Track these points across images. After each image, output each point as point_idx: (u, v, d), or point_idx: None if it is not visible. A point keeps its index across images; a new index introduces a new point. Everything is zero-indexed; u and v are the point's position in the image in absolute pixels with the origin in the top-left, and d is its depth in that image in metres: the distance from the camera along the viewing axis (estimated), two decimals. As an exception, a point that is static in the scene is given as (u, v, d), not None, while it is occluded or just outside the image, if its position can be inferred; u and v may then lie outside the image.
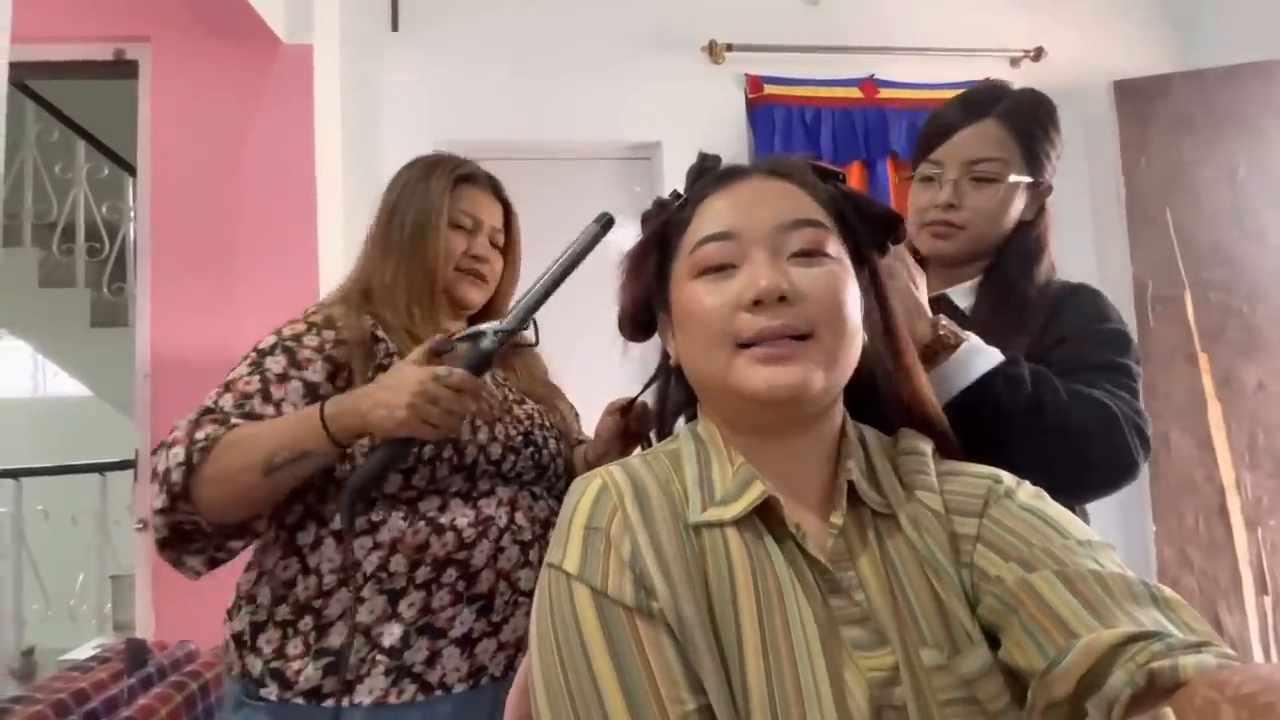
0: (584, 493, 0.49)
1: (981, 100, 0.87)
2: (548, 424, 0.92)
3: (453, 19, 2.37)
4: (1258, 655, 2.00)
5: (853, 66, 2.54)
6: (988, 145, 0.85)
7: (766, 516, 0.49)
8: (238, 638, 0.79)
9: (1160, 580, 2.28)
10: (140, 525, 1.82)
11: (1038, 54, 2.57)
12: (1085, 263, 2.56)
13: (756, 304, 0.47)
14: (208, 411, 0.76)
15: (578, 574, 0.45)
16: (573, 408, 1.04)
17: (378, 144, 2.23)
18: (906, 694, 0.43)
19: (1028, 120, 0.86)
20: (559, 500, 0.89)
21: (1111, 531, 2.43)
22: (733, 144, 2.48)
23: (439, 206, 0.90)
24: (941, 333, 0.71)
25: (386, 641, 0.75)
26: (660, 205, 0.58)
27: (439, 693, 0.76)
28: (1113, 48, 2.63)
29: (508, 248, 1.00)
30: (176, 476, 0.71)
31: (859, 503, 0.50)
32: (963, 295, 0.90)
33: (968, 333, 0.73)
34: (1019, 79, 2.59)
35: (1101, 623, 0.39)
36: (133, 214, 2.80)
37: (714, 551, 0.47)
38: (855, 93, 2.54)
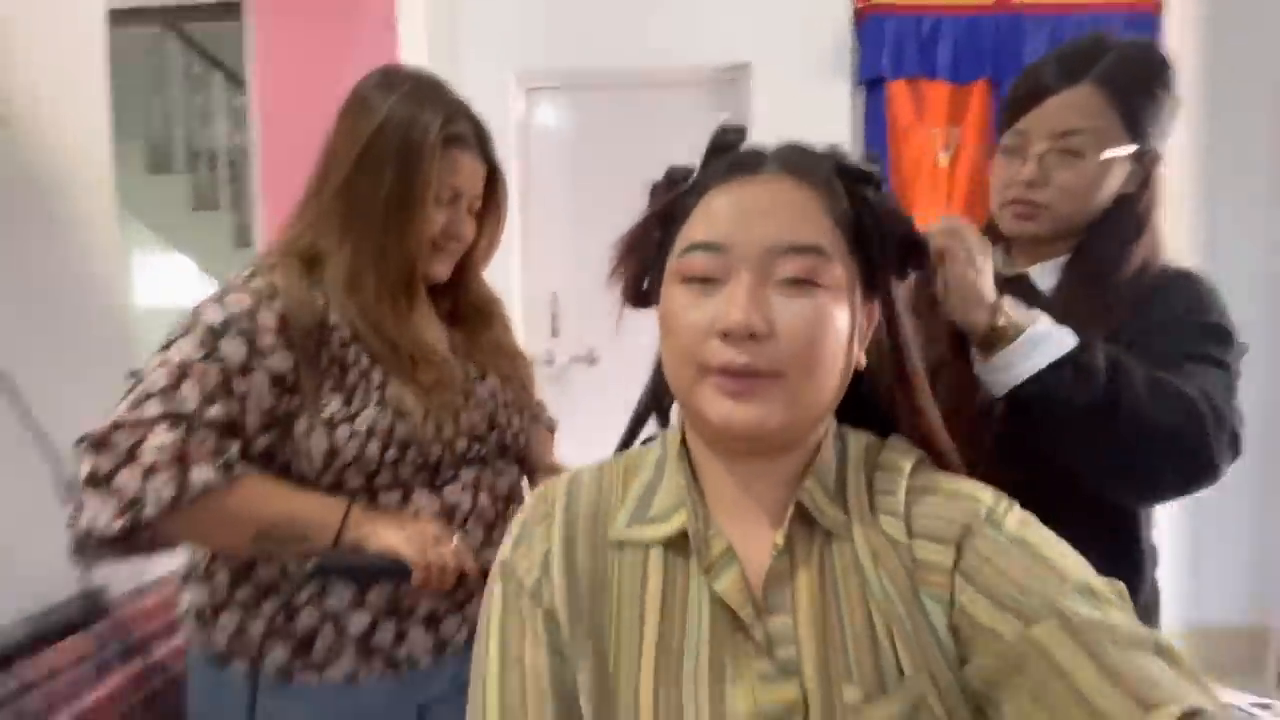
0: (532, 494, 0.54)
1: (1078, 60, 0.75)
2: (511, 398, 0.88)
3: (536, -61, 2.27)
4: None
5: (987, -36, 2.18)
6: (1080, 114, 0.74)
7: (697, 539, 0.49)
8: (197, 612, 0.78)
9: None
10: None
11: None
12: (1256, 213, 2.14)
13: (725, 335, 0.45)
14: (175, 418, 0.67)
15: (500, 562, 0.51)
16: (530, 369, 0.96)
17: (460, 71, 2.24)
18: None
19: (1131, 82, 0.74)
20: (521, 470, 0.92)
21: (1237, 513, 2.17)
22: (834, 64, 2.25)
23: (427, 177, 0.77)
24: (1000, 323, 0.65)
25: (354, 629, 0.75)
26: (669, 181, 0.55)
27: (406, 669, 0.78)
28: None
29: (489, 211, 0.87)
30: (151, 512, 0.64)
31: (814, 523, 0.48)
32: (1046, 274, 0.81)
33: (1035, 314, 0.67)
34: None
35: (1113, 682, 0.37)
36: (252, 141, 3.05)
37: (633, 568, 0.49)
38: (987, -5, 2.20)
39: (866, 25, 2.22)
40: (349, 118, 0.79)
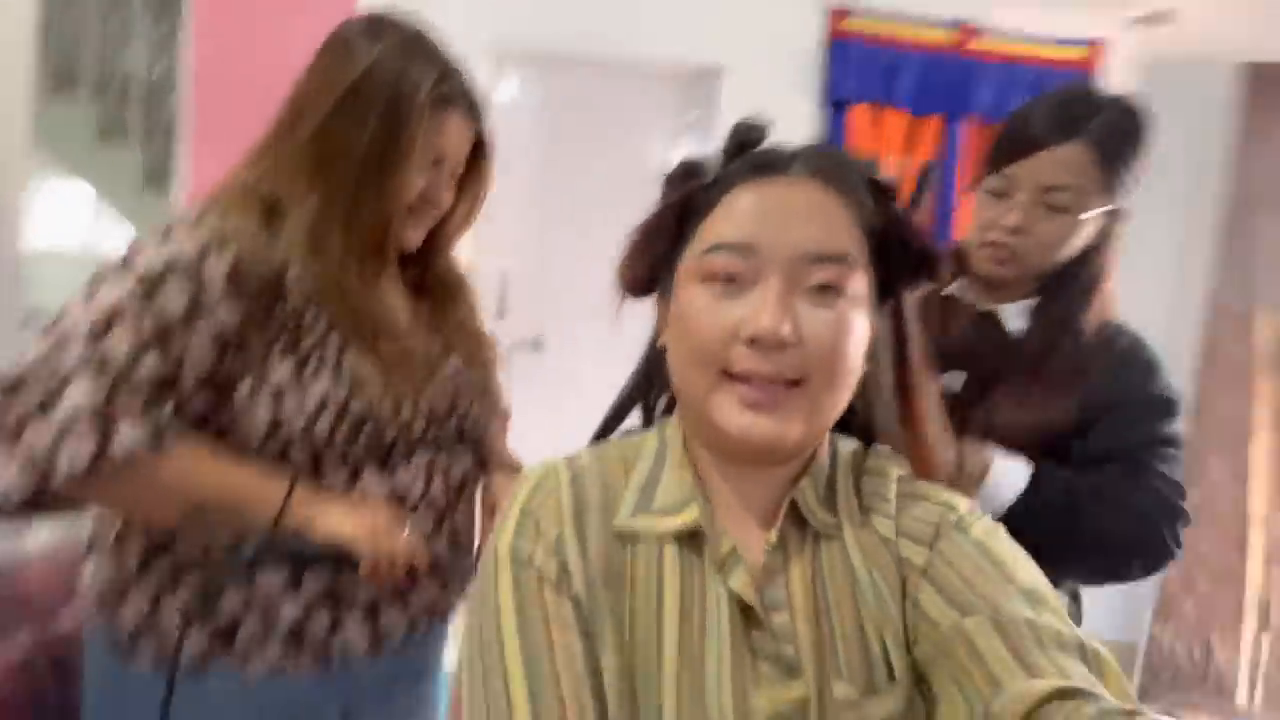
0: (528, 479, 0.50)
1: (1071, 116, 0.78)
2: (471, 383, 0.83)
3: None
4: (1242, 689, 1.98)
5: (951, 4, 2.29)
6: (1069, 171, 0.78)
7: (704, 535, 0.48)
8: (100, 591, 0.69)
9: (1160, 600, 2.25)
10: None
11: (1164, 18, 2.27)
12: (1162, 260, 2.37)
13: (753, 342, 0.44)
14: (102, 371, 0.59)
15: (506, 549, 0.47)
16: (494, 353, 0.90)
17: (425, 26, 2.13)
18: None
19: (1120, 145, 0.78)
20: (476, 458, 0.85)
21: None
22: (802, 81, 2.30)
23: (413, 135, 0.70)
24: (967, 469, 0.74)
25: (287, 615, 0.68)
26: (686, 173, 0.52)
27: (338, 666, 0.71)
28: (1253, 24, 2.31)
29: (471, 180, 0.81)
30: (65, 474, 0.57)
31: (806, 523, 0.49)
32: (1014, 315, 0.85)
33: (988, 453, 0.76)
34: (1137, 45, 2.34)
35: (1028, 673, 0.38)
36: (178, 72, 2.77)
37: (647, 561, 0.47)
38: (946, 37, 2.31)
39: (835, 49, 2.28)
40: (328, 60, 0.72)
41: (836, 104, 2.29)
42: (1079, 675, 0.38)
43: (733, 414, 0.44)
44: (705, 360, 0.45)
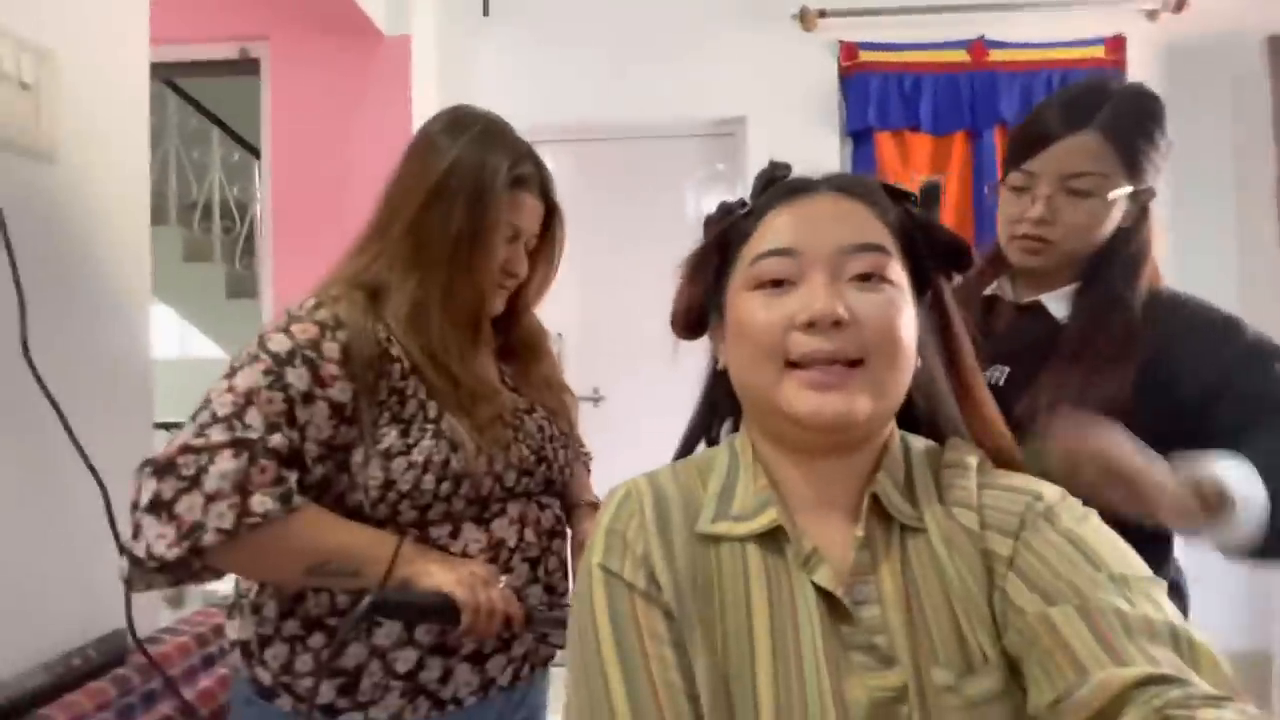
0: (611, 500, 0.53)
1: (1082, 107, 0.81)
2: (557, 433, 0.88)
3: (541, 1, 2.41)
4: None
5: (959, 27, 2.36)
6: (1086, 159, 0.80)
7: (786, 536, 0.50)
8: (243, 645, 0.77)
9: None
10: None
11: (1179, 4, 2.28)
12: (1226, 238, 2.30)
13: (810, 326, 0.46)
14: (242, 444, 0.66)
15: (597, 566, 0.50)
16: (573, 404, 0.97)
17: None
18: (914, 713, 0.43)
19: (1132, 128, 0.80)
20: (564, 504, 0.91)
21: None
22: (823, 117, 2.39)
23: (495, 216, 0.78)
24: (1210, 499, 0.63)
25: (401, 667, 0.74)
26: (725, 210, 0.58)
27: (451, 707, 0.76)
28: (1272, -4, 2.29)
29: (544, 249, 0.89)
30: (211, 539, 0.64)
31: (889, 516, 0.49)
32: (1057, 302, 0.85)
33: (1216, 475, 0.63)
34: (1156, 34, 2.34)
35: (1115, 661, 0.38)
36: (259, 195, 3.07)
37: (732, 562, 0.49)
38: (961, 56, 2.37)
39: (851, 83, 2.37)
40: (417, 158, 0.82)
41: (857, 135, 2.36)
42: (1168, 662, 0.37)
43: (801, 398, 0.47)
44: (767, 354, 0.48)
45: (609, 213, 2.43)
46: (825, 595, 0.47)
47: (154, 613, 1.06)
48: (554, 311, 0.96)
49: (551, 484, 0.87)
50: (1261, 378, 0.74)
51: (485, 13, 2.39)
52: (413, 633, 0.74)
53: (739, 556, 0.49)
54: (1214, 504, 0.63)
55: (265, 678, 0.75)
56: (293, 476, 0.70)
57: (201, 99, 3.50)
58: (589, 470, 1.04)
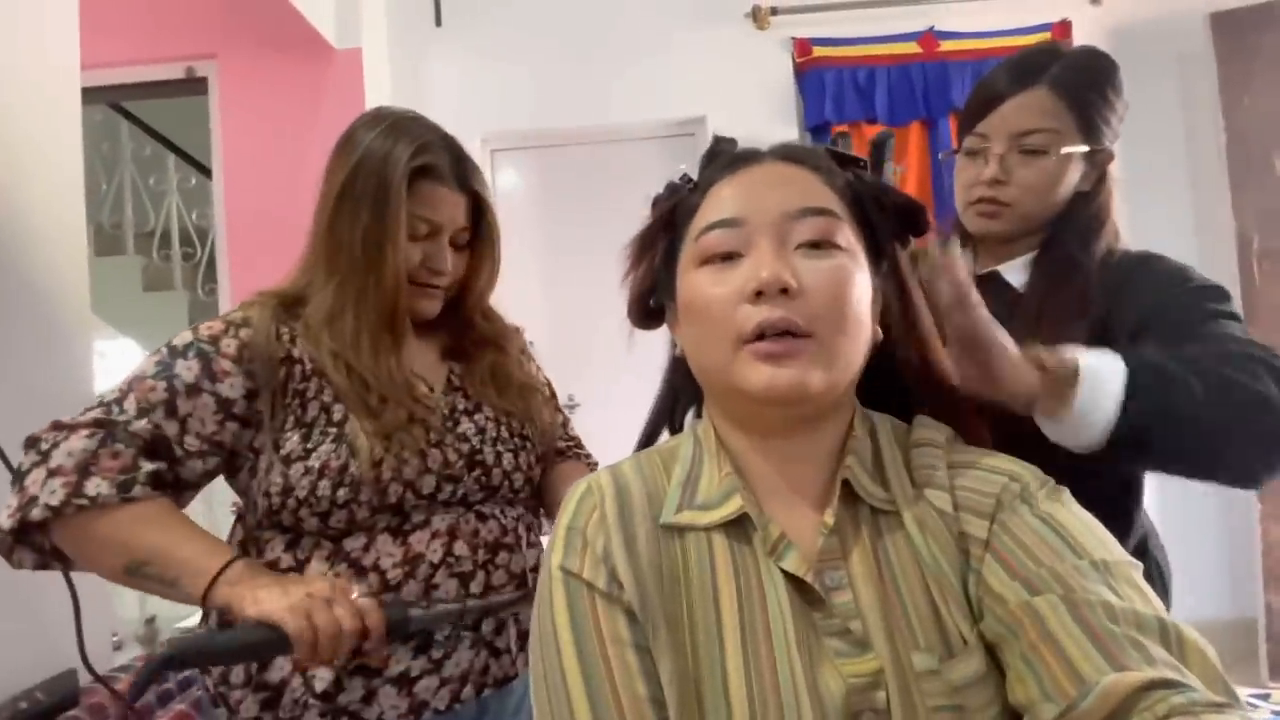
0: (571, 497, 0.51)
1: (1031, 66, 0.80)
2: (505, 434, 0.82)
3: (493, 9, 2.40)
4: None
5: (909, 20, 2.40)
6: (1037, 115, 0.78)
7: (753, 524, 0.48)
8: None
9: (1266, 560, 2.10)
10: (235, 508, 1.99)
11: (1121, -14, 2.34)
12: (1181, 215, 2.35)
13: (758, 295, 0.45)
14: (103, 425, 0.66)
15: (556, 567, 0.48)
16: (545, 402, 0.90)
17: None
18: (893, 698, 0.42)
19: (1083, 85, 0.79)
20: (526, 509, 0.84)
21: (1212, 510, 2.27)
22: (781, 113, 2.40)
23: (397, 213, 0.75)
24: (1055, 371, 0.58)
25: (319, 686, 0.70)
26: (670, 190, 0.57)
27: None
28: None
29: (480, 242, 0.84)
30: (37, 514, 0.63)
31: (859, 500, 0.48)
32: (1015, 271, 0.84)
33: (1073, 354, 0.59)
34: (1101, 17, 2.39)
35: (1109, 660, 0.37)
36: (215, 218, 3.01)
37: (698, 553, 0.48)
38: (913, 48, 2.41)
39: (807, 78, 2.39)
40: (335, 157, 0.79)
41: (815, 130, 2.38)
42: (1162, 661, 0.36)
43: (754, 372, 0.46)
44: (720, 331, 0.47)
45: (573, 219, 2.42)
46: (795, 582, 0.46)
47: (107, 654, 1.02)
48: (521, 320, 0.93)
49: (495, 490, 0.80)
50: (1193, 308, 0.70)
51: (438, 23, 2.37)
52: None
53: (705, 547, 0.48)
54: (1054, 372, 0.58)
55: (210, 685, 0.73)
56: (150, 466, 0.66)
57: (155, 124, 3.42)
58: (592, 469, 0.96)
